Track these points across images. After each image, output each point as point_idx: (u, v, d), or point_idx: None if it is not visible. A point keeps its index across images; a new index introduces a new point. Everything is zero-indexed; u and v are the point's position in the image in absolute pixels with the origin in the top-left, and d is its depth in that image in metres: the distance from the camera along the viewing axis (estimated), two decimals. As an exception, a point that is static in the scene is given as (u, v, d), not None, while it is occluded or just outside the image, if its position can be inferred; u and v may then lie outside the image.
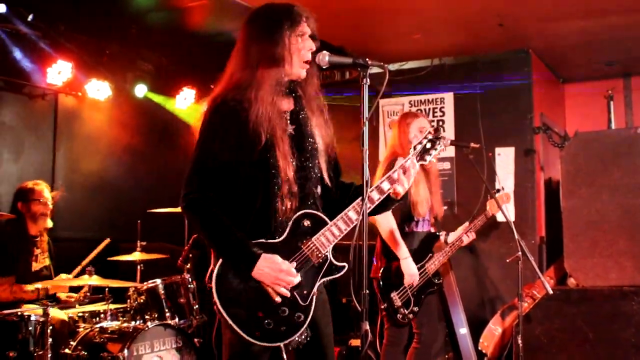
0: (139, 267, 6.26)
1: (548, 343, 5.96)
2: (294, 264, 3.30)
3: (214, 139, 3.29)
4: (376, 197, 3.43)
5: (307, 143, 3.42)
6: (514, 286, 5.52)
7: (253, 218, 3.27)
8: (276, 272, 3.22)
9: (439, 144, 3.53)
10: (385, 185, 3.44)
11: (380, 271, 5.57)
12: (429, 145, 3.51)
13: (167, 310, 5.77)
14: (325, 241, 3.34)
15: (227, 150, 3.26)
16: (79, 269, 6.15)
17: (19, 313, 5.30)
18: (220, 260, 3.23)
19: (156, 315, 5.72)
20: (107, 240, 6.35)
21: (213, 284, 3.20)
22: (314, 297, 3.35)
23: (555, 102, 9.21)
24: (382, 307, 5.58)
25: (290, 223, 3.30)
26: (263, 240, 3.26)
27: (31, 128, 7.14)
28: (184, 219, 6.59)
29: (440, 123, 8.13)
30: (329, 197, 3.51)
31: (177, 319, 5.76)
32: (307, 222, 3.33)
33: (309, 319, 3.33)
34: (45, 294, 5.86)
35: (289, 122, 3.40)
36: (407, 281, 5.45)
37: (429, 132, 3.54)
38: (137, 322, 5.63)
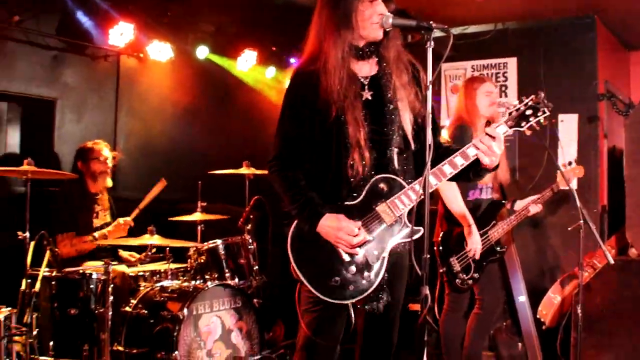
0: (199, 227, 6.27)
1: (607, 313, 5.83)
2: (359, 223, 3.36)
3: (290, 108, 3.49)
4: (460, 162, 3.40)
5: (386, 107, 3.44)
6: (575, 255, 5.40)
7: (328, 182, 3.41)
8: (336, 231, 3.32)
9: (543, 110, 3.43)
10: (471, 152, 3.39)
11: (441, 235, 5.48)
12: (528, 112, 3.43)
13: (227, 270, 5.76)
14: (399, 203, 3.39)
15: (301, 119, 3.43)
16: (136, 211, 6.20)
17: (81, 271, 5.34)
18: (296, 221, 3.39)
19: (216, 276, 5.72)
20: (163, 182, 6.35)
21: (288, 243, 3.37)
22: (385, 259, 3.39)
23: (620, 70, 8.94)
24: (441, 271, 5.50)
25: (366, 187, 3.38)
26: (339, 203, 3.38)
27: (93, 89, 7.13)
28: (245, 181, 6.56)
29: (503, 88, 7.95)
30: (416, 161, 3.54)
31: (236, 280, 5.76)
32: (382, 186, 3.40)
33: (378, 280, 3.38)
34: (104, 248, 5.95)
35: (367, 87, 3.45)
36: (470, 250, 5.36)
37: (531, 99, 3.45)
38: (197, 282, 5.64)
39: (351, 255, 3.36)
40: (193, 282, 5.62)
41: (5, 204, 6.32)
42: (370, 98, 3.43)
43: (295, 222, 3.39)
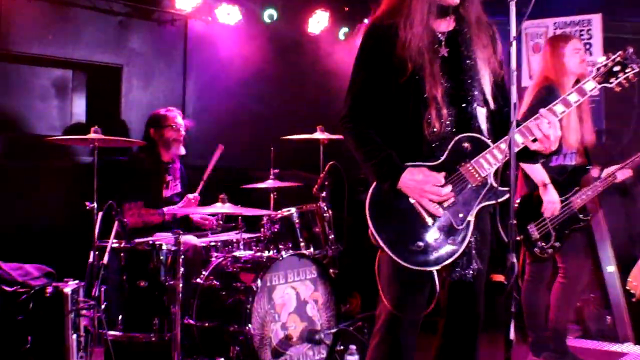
0: (272, 195, 6.11)
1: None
2: (442, 177, 3.24)
3: (364, 63, 3.39)
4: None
5: (465, 65, 3.34)
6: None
7: (405, 141, 3.30)
8: (421, 184, 3.18)
9: (631, 66, 3.33)
10: (559, 109, 3.28)
11: (519, 200, 5.22)
12: (616, 68, 3.32)
13: (301, 240, 5.57)
14: (484, 163, 3.25)
15: (376, 74, 3.33)
16: (202, 184, 6.10)
17: (151, 242, 5.24)
18: (374, 183, 3.27)
19: (290, 245, 5.55)
20: (220, 147, 6.23)
21: (366, 207, 3.23)
22: (472, 223, 3.23)
23: None
24: (518, 239, 5.20)
25: (449, 146, 3.26)
26: (420, 163, 3.24)
27: (161, 55, 7.04)
28: (319, 146, 6.38)
29: (587, 47, 7.56)
30: (494, 121, 3.42)
31: (312, 249, 5.56)
32: (467, 145, 3.29)
33: (464, 245, 3.22)
34: (174, 217, 5.85)
35: (444, 43, 3.35)
36: (546, 210, 5.14)
37: (619, 55, 3.34)
38: (271, 252, 5.47)
39: (434, 218, 3.22)
40: (266, 252, 5.46)
41: (72, 174, 6.27)
42: (446, 55, 3.35)
43: (373, 185, 3.27)
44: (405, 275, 3.24)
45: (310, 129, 6.38)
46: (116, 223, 5.06)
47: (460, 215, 3.22)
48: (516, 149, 3.20)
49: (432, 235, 3.20)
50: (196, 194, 6.01)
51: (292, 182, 6.31)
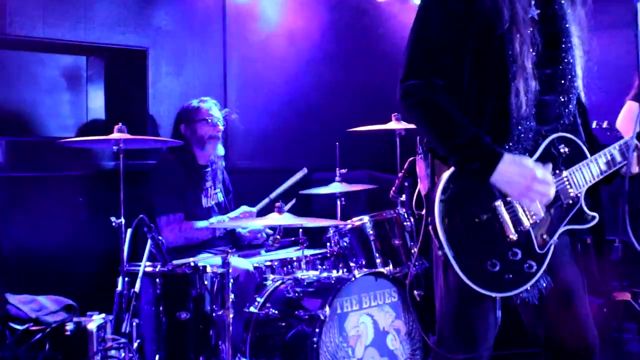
0: (339, 201, 6.21)
1: None
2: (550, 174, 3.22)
3: (438, 13, 3.29)
4: None
5: (561, 34, 3.35)
6: None
7: (486, 118, 3.26)
8: (528, 180, 3.13)
9: None
10: None
11: None
12: None
13: (377, 255, 5.68)
14: (580, 179, 3.29)
15: (454, 29, 3.26)
16: (266, 201, 6.20)
17: (192, 263, 5.33)
18: (449, 173, 3.17)
19: (364, 262, 5.65)
20: (303, 171, 6.34)
21: (435, 206, 3.13)
22: (552, 247, 3.25)
23: None
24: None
25: (544, 143, 3.27)
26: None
27: (195, 34, 7.17)
28: (395, 138, 6.46)
29: None
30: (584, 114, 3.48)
31: (390, 267, 5.65)
32: (564, 148, 3.30)
33: (540, 273, 3.22)
34: (224, 231, 6.00)
35: (532, 3, 3.33)
36: None
37: None
38: (340, 272, 5.57)
39: (520, 231, 3.18)
40: (335, 272, 5.56)
41: (92, 184, 6.45)
42: (536, 17, 3.32)
43: (445, 179, 3.17)
44: (471, 300, 3.27)
45: (383, 118, 6.45)
46: (149, 242, 5.16)
47: (544, 236, 3.23)
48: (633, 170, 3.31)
49: (511, 254, 3.19)
50: (254, 210, 6.14)
51: (364, 185, 6.37)
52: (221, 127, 6.20)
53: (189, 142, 6.13)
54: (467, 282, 3.13)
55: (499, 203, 3.17)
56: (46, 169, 6.28)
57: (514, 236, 3.17)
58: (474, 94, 3.27)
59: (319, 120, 7.63)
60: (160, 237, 5.31)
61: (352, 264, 5.67)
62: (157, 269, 5.26)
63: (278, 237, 5.50)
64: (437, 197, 3.13)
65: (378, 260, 5.68)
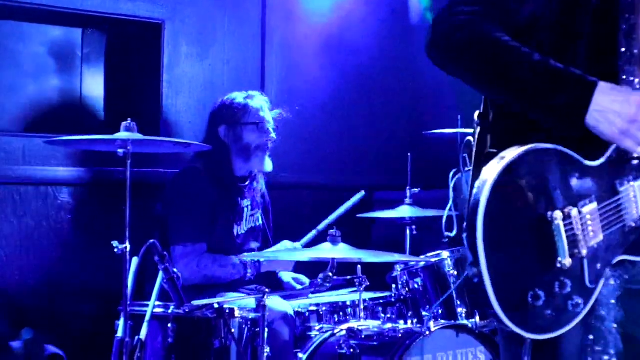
0: (409, 230, 6.30)
1: None
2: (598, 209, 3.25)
3: None
4: None
5: None
6: None
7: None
8: (628, 115, 3.14)
9: None
10: None
11: None
12: None
13: (459, 302, 5.78)
14: None
15: None
16: (312, 233, 6.26)
17: (216, 305, 5.34)
18: (494, 176, 3.08)
19: (441, 312, 5.73)
20: (361, 194, 6.41)
21: (480, 212, 3.03)
22: (603, 279, 3.28)
23: None
24: None
25: (611, 146, 3.28)
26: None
27: (224, 5, 7.32)
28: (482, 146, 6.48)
29: None
30: None
31: (477, 318, 5.68)
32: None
33: (585, 311, 3.23)
34: (257, 271, 6.03)
35: None
36: None
37: None
38: (409, 322, 5.67)
39: (575, 256, 3.16)
40: (402, 323, 5.65)
41: (89, 196, 6.60)
42: None
43: (493, 180, 3.07)
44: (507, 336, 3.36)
45: (469, 123, 6.52)
46: (161, 275, 5.19)
47: (598, 266, 3.27)
48: None
49: (559, 286, 3.19)
50: (298, 244, 6.23)
51: (440, 210, 6.40)
52: (274, 136, 6.26)
53: (227, 149, 6.20)
54: (502, 315, 3.10)
55: (557, 215, 3.13)
56: (28, 177, 6.40)
57: (567, 262, 3.15)
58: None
59: (385, 123, 7.77)
60: (175, 270, 5.25)
61: (425, 313, 5.73)
62: (169, 311, 5.31)
63: (330, 274, 5.37)
64: (484, 201, 3.04)
65: (460, 310, 5.77)
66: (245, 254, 6.09)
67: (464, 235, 3.10)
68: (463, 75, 3.35)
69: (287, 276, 6.40)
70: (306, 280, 6.30)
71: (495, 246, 3.05)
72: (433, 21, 3.30)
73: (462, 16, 3.24)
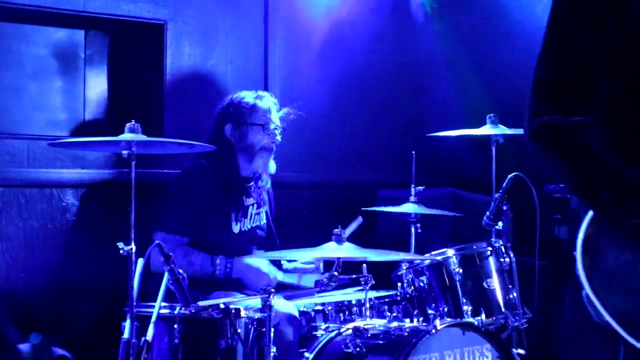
0: (413, 228, 6.30)
1: None
2: None
3: (573, 20, 3.36)
4: None
5: None
6: None
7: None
8: None
9: None
10: None
11: None
12: None
13: (465, 300, 5.79)
14: None
15: (596, 35, 3.31)
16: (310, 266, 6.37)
17: (222, 306, 5.33)
18: (587, 218, 3.25)
19: (447, 310, 5.74)
20: (358, 221, 6.38)
21: (578, 255, 3.21)
22: None
23: None
24: None
25: None
26: None
27: (225, 4, 7.33)
28: (490, 146, 6.54)
29: None
30: None
31: (482, 316, 5.73)
32: None
33: None
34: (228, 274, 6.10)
35: None
36: None
37: None
38: (415, 321, 5.67)
39: None
40: (408, 322, 5.65)
41: (95, 200, 6.60)
42: None
43: (587, 220, 3.28)
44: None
45: (476, 121, 6.57)
46: (166, 276, 5.18)
47: None
48: None
49: None
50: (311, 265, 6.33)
51: (447, 208, 6.47)
52: (279, 138, 6.29)
53: (232, 148, 6.24)
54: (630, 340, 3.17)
55: None
56: (32, 179, 6.42)
57: None
58: (625, 120, 3.36)
59: (388, 121, 7.76)
60: (180, 270, 5.27)
61: (430, 311, 5.70)
62: (175, 312, 5.28)
63: (336, 273, 5.46)
64: (579, 244, 3.23)
65: (466, 308, 5.78)
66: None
67: None
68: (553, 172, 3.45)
69: (292, 265, 6.44)
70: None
71: (605, 289, 3.18)
72: (526, 120, 3.39)
73: (539, 123, 3.36)
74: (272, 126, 6.27)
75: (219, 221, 6.22)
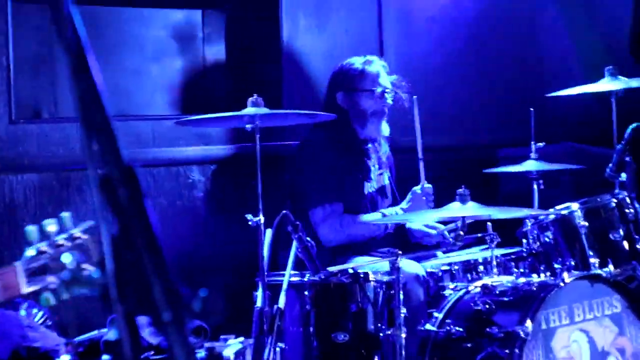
0: (536, 185, 6.26)
1: None
2: None
3: None
4: None
5: None
6: None
7: None
8: None
9: None
10: None
11: None
12: None
13: (592, 253, 5.74)
14: None
15: None
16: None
17: (351, 270, 5.42)
18: None
19: (574, 263, 5.67)
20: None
21: None
22: None
23: None
24: None
25: None
26: None
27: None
28: (610, 102, 6.38)
29: None
30: None
31: (610, 267, 5.69)
32: None
33: None
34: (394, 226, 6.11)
35: None
36: None
37: None
38: (543, 276, 5.62)
39: None
40: (536, 277, 5.61)
41: (220, 175, 6.71)
42: None
43: None
44: None
45: (592, 75, 6.50)
46: (294, 245, 5.26)
47: None
48: None
49: None
50: (428, 185, 6.21)
51: (568, 163, 6.41)
52: (390, 101, 6.25)
53: (346, 115, 6.21)
54: None
55: None
56: (159, 158, 6.56)
57: None
58: None
59: (505, 80, 7.71)
60: (308, 239, 5.37)
61: (557, 266, 5.68)
62: (305, 279, 5.37)
63: (462, 232, 5.45)
64: None
65: (593, 260, 5.73)
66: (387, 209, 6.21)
67: None
68: None
69: (416, 226, 6.36)
70: (439, 226, 6.23)
71: None
72: None
73: None
74: (379, 90, 6.22)
75: (351, 184, 6.23)
